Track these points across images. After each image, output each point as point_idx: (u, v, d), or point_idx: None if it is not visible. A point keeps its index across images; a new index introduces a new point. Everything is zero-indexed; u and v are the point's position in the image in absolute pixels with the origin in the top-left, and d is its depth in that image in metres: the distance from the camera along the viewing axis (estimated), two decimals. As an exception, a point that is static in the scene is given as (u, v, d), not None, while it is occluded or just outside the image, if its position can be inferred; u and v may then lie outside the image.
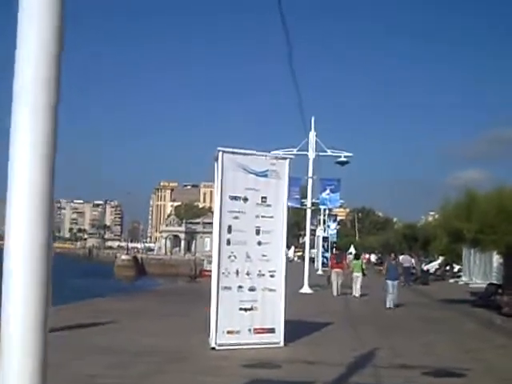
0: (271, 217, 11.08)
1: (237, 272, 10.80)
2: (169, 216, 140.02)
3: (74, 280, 66.31)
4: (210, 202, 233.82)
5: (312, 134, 26.34)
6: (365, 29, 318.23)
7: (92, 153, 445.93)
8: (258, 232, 10.98)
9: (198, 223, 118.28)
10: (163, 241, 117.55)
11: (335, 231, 64.79)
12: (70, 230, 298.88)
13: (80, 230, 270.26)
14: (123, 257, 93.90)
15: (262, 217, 11.02)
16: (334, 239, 62.59)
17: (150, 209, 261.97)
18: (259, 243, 10.98)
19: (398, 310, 19.23)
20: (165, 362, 9.36)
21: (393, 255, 23.12)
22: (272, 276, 11.07)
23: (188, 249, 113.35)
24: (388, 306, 19.59)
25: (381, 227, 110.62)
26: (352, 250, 65.23)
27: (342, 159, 26.27)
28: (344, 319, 16.52)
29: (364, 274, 25.30)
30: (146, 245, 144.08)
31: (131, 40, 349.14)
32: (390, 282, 20.15)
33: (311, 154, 26.02)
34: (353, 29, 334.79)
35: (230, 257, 10.77)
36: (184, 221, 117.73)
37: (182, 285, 31.06)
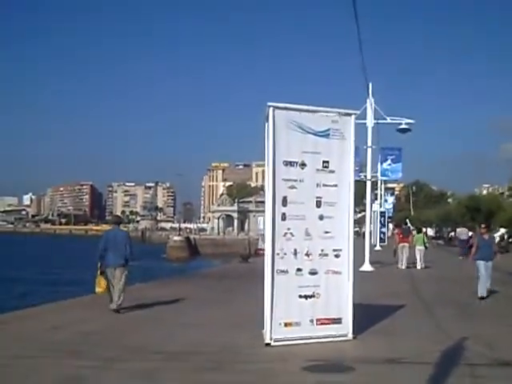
0: (335, 185, 9.20)
1: (295, 252, 8.99)
2: (221, 196, 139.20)
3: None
4: (262, 181, 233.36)
5: (370, 101, 24.23)
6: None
7: (143, 135, 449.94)
8: (319, 204, 9.13)
9: (251, 202, 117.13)
10: (216, 221, 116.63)
11: (391, 206, 62.42)
12: (123, 212, 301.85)
13: (132, 213, 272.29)
14: (175, 238, 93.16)
15: (324, 185, 9.16)
16: (390, 214, 60.36)
17: (202, 189, 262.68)
18: (321, 217, 9.14)
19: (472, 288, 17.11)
20: (207, 366, 7.61)
21: (483, 227, 16.43)
22: (337, 256, 9.21)
23: (241, 228, 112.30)
24: (480, 294, 15.09)
25: (436, 201, 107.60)
26: (408, 224, 63.14)
27: (404, 126, 24.13)
28: (415, 301, 14.59)
29: (426, 247, 26.56)
30: (199, 225, 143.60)
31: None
32: (482, 263, 15.30)
33: (370, 122, 24.02)
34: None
35: (285, 234, 8.95)
36: (236, 200, 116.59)
37: (234, 266, 29.33)
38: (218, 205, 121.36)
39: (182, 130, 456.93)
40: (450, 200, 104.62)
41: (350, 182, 9.31)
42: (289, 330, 8.96)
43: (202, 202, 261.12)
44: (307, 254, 9.05)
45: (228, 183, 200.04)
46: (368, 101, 24.35)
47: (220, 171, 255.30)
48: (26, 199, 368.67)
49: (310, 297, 9.06)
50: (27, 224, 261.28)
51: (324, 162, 9.16)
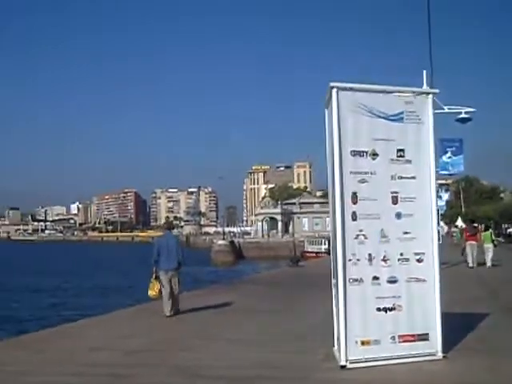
0: (413, 177, 7.79)
1: (369, 258, 7.62)
2: (263, 198, 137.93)
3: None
4: (303, 182, 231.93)
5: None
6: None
7: (182, 142, 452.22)
8: (395, 200, 7.74)
9: (294, 203, 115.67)
10: (259, 223, 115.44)
11: (444, 202, 60.23)
12: (167, 218, 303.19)
13: (176, 218, 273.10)
14: (220, 242, 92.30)
15: (400, 178, 7.76)
16: (443, 211, 58.30)
17: (244, 193, 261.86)
18: (398, 215, 7.74)
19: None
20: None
21: None
22: (419, 261, 7.79)
23: (285, 230, 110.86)
24: None
25: (487, 196, 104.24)
26: (459, 222, 61.20)
27: (464, 116, 22.36)
28: (500, 307, 12.95)
29: (495, 245, 25.80)
30: (242, 228, 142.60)
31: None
32: None
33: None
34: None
35: (357, 237, 7.59)
36: (279, 202, 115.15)
37: (284, 270, 27.97)
38: (262, 207, 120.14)
39: (220, 135, 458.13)
40: (502, 195, 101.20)
41: (431, 174, 7.89)
42: (367, 349, 7.58)
43: (245, 206, 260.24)
44: (384, 260, 7.67)
45: (270, 185, 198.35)
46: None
47: (261, 174, 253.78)
48: (74, 208, 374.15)
49: (390, 309, 7.67)
50: (75, 232, 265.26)
51: (399, 150, 7.77)
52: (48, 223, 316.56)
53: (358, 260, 7.58)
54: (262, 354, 8.37)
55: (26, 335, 10.95)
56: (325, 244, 76.29)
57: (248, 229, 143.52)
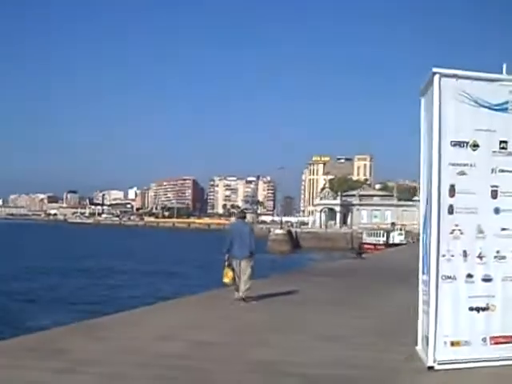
0: (514, 171, 7.36)
1: (464, 254, 7.22)
2: (322, 189, 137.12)
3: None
4: (363, 175, 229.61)
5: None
6: None
7: (243, 131, 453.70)
8: (494, 194, 7.30)
9: (354, 195, 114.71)
10: (318, 214, 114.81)
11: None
12: (224, 206, 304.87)
13: (233, 206, 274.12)
14: (277, 231, 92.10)
15: (501, 171, 7.31)
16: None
17: (302, 183, 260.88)
18: (496, 211, 7.30)
19: None
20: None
21: None
22: (517, 260, 7.37)
23: (343, 222, 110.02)
24: None
25: None
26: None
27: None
28: None
29: None
30: (300, 218, 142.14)
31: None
32: None
33: None
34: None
35: (453, 232, 7.19)
36: (339, 193, 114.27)
37: (349, 262, 27.48)
38: (321, 198, 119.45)
39: (282, 125, 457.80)
40: None
41: (535, 167, 7.42)
42: (456, 350, 7.20)
43: (302, 196, 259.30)
44: (479, 257, 7.26)
45: (329, 177, 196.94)
46: None
47: (321, 165, 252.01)
48: (131, 193, 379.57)
49: (483, 309, 7.27)
50: (132, 217, 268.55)
51: (501, 142, 7.32)
52: (105, 207, 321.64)
53: (452, 256, 7.19)
54: (342, 351, 8.05)
55: (87, 321, 10.38)
56: (383, 236, 75.53)
57: (305, 219, 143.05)
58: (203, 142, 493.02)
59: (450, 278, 7.18)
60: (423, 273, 7.62)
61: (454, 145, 7.18)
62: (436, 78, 7.14)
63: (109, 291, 33.69)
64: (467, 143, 7.22)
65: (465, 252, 7.22)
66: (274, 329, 9.65)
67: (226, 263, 12.58)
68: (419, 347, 7.80)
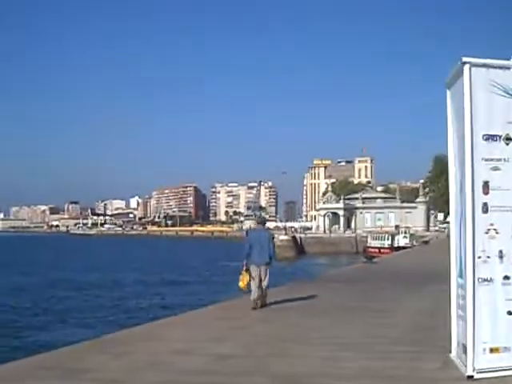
0: (550, 166, 6.91)
1: (500, 255, 6.77)
2: (324, 194, 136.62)
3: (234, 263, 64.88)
4: (364, 177, 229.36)
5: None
6: None
7: (243, 137, 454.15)
8: (530, 190, 6.87)
9: (357, 198, 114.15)
10: (321, 218, 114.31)
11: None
12: (226, 213, 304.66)
13: (236, 213, 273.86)
14: (282, 237, 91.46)
15: (537, 166, 6.88)
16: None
17: (304, 187, 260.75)
18: (533, 208, 6.86)
19: None
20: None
21: None
22: (556, 260, 6.91)
23: (347, 225, 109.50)
24: None
25: None
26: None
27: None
28: None
29: None
30: (303, 224, 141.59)
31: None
32: None
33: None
34: None
35: (488, 231, 6.74)
36: (342, 197, 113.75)
37: (360, 267, 26.99)
38: (324, 202, 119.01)
39: (282, 130, 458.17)
40: None
41: None
42: (495, 358, 6.73)
43: (304, 201, 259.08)
44: (517, 258, 6.82)
45: (331, 180, 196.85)
46: None
47: (322, 168, 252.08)
48: (133, 202, 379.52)
49: (523, 314, 6.83)
50: (134, 226, 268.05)
51: (535, 135, 6.89)
52: (107, 217, 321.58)
53: (488, 257, 6.74)
54: (371, 361, 7.59)
55: (103, 337, 9.97)
56: (388, 239, 75.16)
57: (308, 224, 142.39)
58: (203, 149, 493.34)
59: (486, 280, 6.73)
60: (458, 276, 7.18)
61: (487, 139, 6.74)
62: (466, 68, 6.70)
63: (118, 303, 33.19)
64: (500, 137, 6.78)
65: (501, 252, 6.78)
66: (294, 339, 9.21)
67: (244, 268, 12.59)
68: (453, 354, 7.36)
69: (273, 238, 13.47)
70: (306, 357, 7.90)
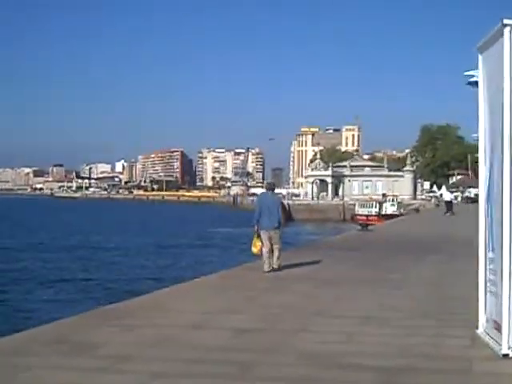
0: None
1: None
2: (312, 161, 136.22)
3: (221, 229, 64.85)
4: (352, 146, 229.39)
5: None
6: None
7: (232, 103, 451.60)
8: None
9: (345, 166, 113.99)
10: (309, 185, 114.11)
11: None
12: (213, 178, 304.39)
13: (223, 178, 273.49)
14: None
15: None
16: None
17: (291, 155, 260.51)
18: None
19: None
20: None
21: None
22: None
23: (335, 193, 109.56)
24: None
25: None
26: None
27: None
28: None
29: None
30: (291, 190, 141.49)
31: None
32: None
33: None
34: None
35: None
36: (330, 164, 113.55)
37: (355, 234, 26.78)
38: (312, 169, 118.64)
39: (269, 97, 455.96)
40: None
41: None
42: (530, 335, 6.47)
43: (291, 168, 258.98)
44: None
45: (318, 148, 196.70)
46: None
47: (309, 136, 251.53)
48: (119, 166, 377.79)
49: None
50: (120, 190, 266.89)
51: None
52: (92, 181, 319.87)
53: (524, 231, 6.42)
54: (398, 338, 7.22)
55: (109, 307, 9.45)
56: (375, 207, 75.27)
57: (296, 191, 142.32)
58: (190, 114, 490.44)
59: (520, 255, 6.41)
60: (489, 249, 6.87)
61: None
62: (507, 30, 6.27)
63: (115, 268, 32.79)
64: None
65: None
66: (311, 311, 8.86)
67: (255, 234, 12.99)
68: (480, 331, 7.09)
69: (281, 203, 13.66)
70: (329, 332, 7.58)
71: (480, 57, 7.12)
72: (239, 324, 7.91)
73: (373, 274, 12.75)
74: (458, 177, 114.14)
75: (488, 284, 6.97)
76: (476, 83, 23.65)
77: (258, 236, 12.92)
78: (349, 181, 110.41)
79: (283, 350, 6.61)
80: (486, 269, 7.05)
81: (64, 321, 8.30)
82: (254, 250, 13.02)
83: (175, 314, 8.66)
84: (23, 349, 6.49)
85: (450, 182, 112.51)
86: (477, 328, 7.20)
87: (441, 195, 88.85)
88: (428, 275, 12.99)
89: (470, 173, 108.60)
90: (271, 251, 12.79)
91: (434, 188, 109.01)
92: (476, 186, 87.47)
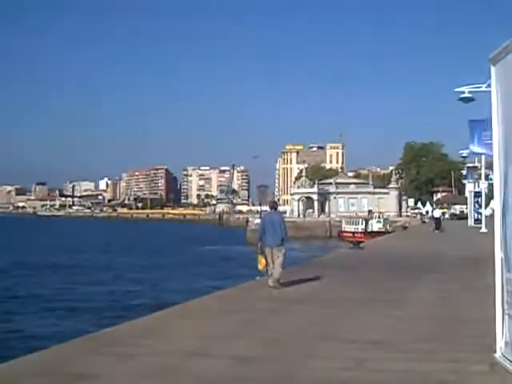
0: None
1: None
2: (298, 178, 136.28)
3: (208, 247, 64.47)
4: (336, 163, 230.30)
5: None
6: None
7: (217, 121, 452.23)
8: None
9: (331, 183, 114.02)
10: (295, 203, 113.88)
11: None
12: (198, 196, 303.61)
13: (208, 196, 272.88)
14: (257, 221, 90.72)
15: None
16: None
17: (277, 172, 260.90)
18: None
19: None
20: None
21: None
22: None
23: (322, 210, 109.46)
24: None
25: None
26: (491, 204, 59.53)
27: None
28: None
29: None
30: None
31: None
32: None
33: None
34: None
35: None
36: (316, 181, 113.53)
37: (347, 252, 26.41)
38: (298, 187, 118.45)
39: (253, 116, 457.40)
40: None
41: None
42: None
43: (277, 185, 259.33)
44: None
45: (304, 165, 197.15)
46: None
47: (294, 153, 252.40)
48: (102, 184, 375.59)
49: None
50: (104, 208, 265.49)
51: None
52: (76, 199, 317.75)
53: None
54: (413, 363, 6.80)
55: (98, 333, 8.90)
56: (362, 224, 75.12)
57: (282, 208, 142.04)
58: (176, 132, 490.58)
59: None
60: (508, 271, 6.54)
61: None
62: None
63: (107, 289, 32.18)
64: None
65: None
66: (316, 335, 8.41)
67: (259, 251, 13.43)
68: (498, 354, 6.74)
69: (283, 220, 14.01)
70: (337, 358, 7.11)
71: (493, 68, 6.86)
72: (240, 351, 7.40)
73: (373, 295, 12.33)
74: (443, 194, 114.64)
75: (506, 306, 6.64)
76: (468, 99, 23.50)
77: (262, 253, 13.33)
78: (334, 198, 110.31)
79: (297, 380, 6.18)
80: (503, 290, 6.72)
81: (56, 347, 7.77)
82: (260, 266, 13.50)
83: (171, 339, 8.14)
84: (11, 381, 5.99)
85: (435, 198, 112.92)
86: (494, 352, 6.86)
87: (427, 212, 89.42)
88: (427, 295, 12.64)
89: (453, 189, 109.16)
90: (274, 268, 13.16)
91: (419, 205, 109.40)
92: (460, 203, 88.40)
